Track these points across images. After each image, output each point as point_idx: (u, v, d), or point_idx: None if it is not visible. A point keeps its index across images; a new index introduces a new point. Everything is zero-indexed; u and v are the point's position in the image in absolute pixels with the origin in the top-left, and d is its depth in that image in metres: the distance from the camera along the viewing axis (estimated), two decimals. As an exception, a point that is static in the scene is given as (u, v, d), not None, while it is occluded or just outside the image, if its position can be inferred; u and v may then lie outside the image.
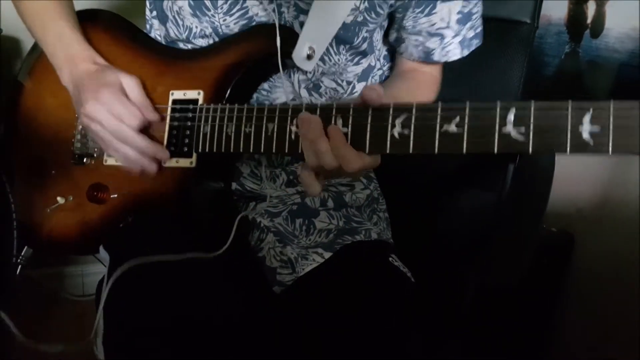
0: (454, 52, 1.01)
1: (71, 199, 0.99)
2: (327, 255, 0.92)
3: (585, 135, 0.60)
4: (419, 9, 0.97)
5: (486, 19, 1.12)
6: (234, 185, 1.00)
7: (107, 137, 0.87)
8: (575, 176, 1.61)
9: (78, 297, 1.79)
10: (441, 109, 0.68)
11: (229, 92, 0.88)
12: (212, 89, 0.89)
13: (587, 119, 0.60)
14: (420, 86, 1.04)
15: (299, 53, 0.90)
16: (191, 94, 0.89)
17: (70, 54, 0.93)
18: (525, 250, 1.29)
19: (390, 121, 0.70)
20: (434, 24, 0.98)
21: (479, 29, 1.01)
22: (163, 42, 1.03)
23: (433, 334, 1.11)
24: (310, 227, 0.97)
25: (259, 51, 0.89)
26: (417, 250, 1.08)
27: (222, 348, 0.76)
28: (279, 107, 0.79)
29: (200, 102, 0.88)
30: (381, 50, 1.07)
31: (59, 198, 0.99)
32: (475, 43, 1.02)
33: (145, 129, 0.89)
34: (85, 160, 0.98)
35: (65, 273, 1.89)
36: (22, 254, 1.07)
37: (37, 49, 1.09)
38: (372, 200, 1.06)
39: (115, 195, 0.94)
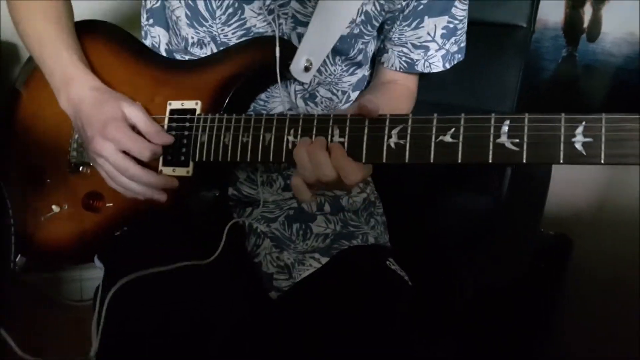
0: (437, 64, 1.02)
1: (66, 207, 0.98)
2: (324, 260, 0.92)
3: (578, 146, 0.61)
4: (406, 22, 0.99)
5: (482, 24, 1.13)
6: (231, 191, 1.00)
7: (113, 173, 0.86)
8: (572, 179, 1.61)
9: (76, 302, 1.78)
10: (437, 120, 0.69)
11: (226, 102, 0.88)
12: (210, 99, 0.89)
13: (579, 130, 0.61)
14: (399, 99, 1.05)
15: (297, 65, 0.90)
16: (189, 104, 0.90)
17: (67, 76, 0.91)
18: (522, 253, 1.29)
19: (386, 132, 0.72)
20: (420, 37, 1.00)
21: (463, 44, 1.03)
22: (162, 50, 1.03)
23: (430, 336, 1.12)
24: (307, 231, 0.98)
25: (258, 63, 0.90)
26: (414, 253, 1.08)
27: (219, 354, 0.77)
28: (276, 117, 0.80)
29: (197, 112, 0.89)
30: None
31: (54, 206, 0.99)
32: (458, 57, 1.04)
33: None
34: (81, 168, 0.98)
35: (63, 278, 1.88)
36: (17, 261, 1.07)
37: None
38: (369, 204, 1.07)
39: (111, 204, 0.94)
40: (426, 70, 1.03)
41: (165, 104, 0.91)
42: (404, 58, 1.03)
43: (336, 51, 0.96)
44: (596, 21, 1.63)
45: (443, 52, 1.01)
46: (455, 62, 1.03)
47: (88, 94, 0.89)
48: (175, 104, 0.91)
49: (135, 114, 0.87)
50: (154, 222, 0.89)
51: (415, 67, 1.03)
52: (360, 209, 1.05)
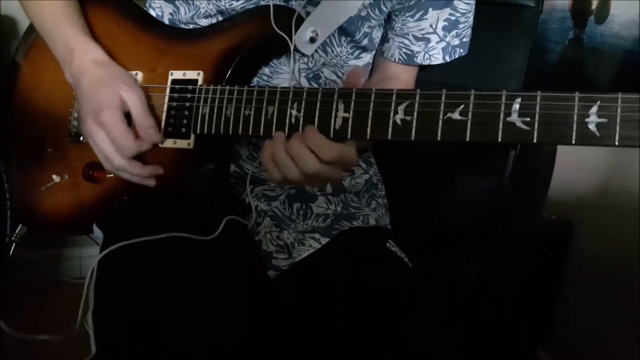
0: (437, 56, 1.01)
1: (67, 177, 0.98)
2: (324, 240, 0.91)
3: (592, 126, 0.59)
4: (410, 13, 0.98)
5: (489, 3, 1.10)
6: (233, 168, 0.99)
7: (101, 156, 0.87)
8: (575, 164, 1.60)
9: (75, 280, 1.79)
10: (445, 96, 0.67)
11: (229, 73, 0.86)
12: (212, 70, 0.87)
13: (594, 110, 0.59)
14: None
15: (302, 35, 0.88)
16: (191, 74, 0.88)
17: (69, 47, 0.91)
18: (525, 237, 1.29)
19: (393, 107, 0.70)
20: (422, 29, 0.99)
21: (465, 39, 1.01)
22: (166, 21, 1.01)
23: (431, 319, 1.12)
24: (307, 211, 0.97)
25: (261, 32, 0.88)
26: (416, 237, 1.07)
27: (214, 327, 0.76)
28: (279, 90, 0.78)
29: (199, 82, 0.87)
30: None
31: (54, 176, 0.98)
32: (460, 52, 1.02)
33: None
34: (82, 138, 0.96)
35: (63, 255, 1.89)
36: (17, 232, 1.06)
37: (34, 29, 1.07)
38: (370, 186, 1.06)
39: (111, 175, 0.93)
40: (426, 62, 1.02)
41: (167, 74, 0.90)
42: (404, 50, 1.02)
43: (343, 31, 0.95)
44: (605, 3, 1.60)
45: (444, 44, 1.00)
46: (457, 56, 1.02)
47: (89, 67, 0.88)
48: (177, 74, 0.89)
49: (132, 102, 0.85)
50: (155, 194, 0.88)
51: (415, 59, 1.02)
52: (362, 191, 1.04)
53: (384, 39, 1.04)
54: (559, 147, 1.22)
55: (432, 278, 1.06)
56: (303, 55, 0.92)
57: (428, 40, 1.00)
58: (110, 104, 0.84)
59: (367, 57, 1.03)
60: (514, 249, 1.25)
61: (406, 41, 1.01)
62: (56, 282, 1.72)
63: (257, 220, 0.96)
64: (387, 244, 0.96)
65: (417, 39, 1.00)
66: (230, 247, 0.86)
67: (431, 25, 0.98)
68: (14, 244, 1.07)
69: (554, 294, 1.69)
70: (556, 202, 1.55)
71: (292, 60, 0.91)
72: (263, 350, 0.75)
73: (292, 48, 0.88)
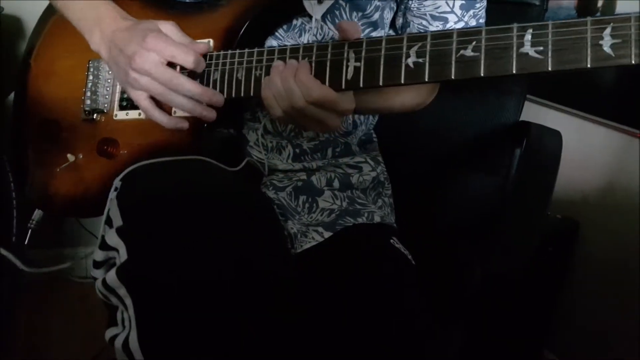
0: None
1: (81, 156, 0.98)
2: (327, 234, 0.91)
3: (606, 48, 0.59)
4: None
5: (495, 1, 1.10)
6: None
7: (159, 90, 0.84)
8: (580, 163, 1.60)
9: (82, 279, 1.78)
10: (457, 34, 0.67)
11: (238, 39, 0.87)
12: (222, 37, 0.88)
13: (607, 32, 0.59)
14: (426, 87, 1.05)
15: None
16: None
17: (99, 15, 0.92)
18: (530, 236, 1.27)
19: (404, 50, 0.70)
20: (438, 7, 0.98)
21: (482, 20, 1.01)
22: None
23: (436, 317, 1.10)
24: (313, 205, 0.97)
25: None
26: (421, 235, 1.07)
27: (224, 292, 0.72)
28: (289, 47, 0.79)
29: (210, 50, 0.87)
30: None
31: (69, 155, 0.99)
32: None
33: None
34: (95, 116, 0.98)
35: (69, 255, 1.88)
36: (33, 217, 1.07)
37: (44, 22, 1.10)
38: (377, 184, 1.06)
39: (125, 152, 0.94)
40: None
41: None
42: (423, 32, 1.01)
43: (354, 6, 0.95)
44: (610, 1, 1.61)
45: (462, 24, 0.99)
46: None
47: (122, 23, 0.89)
48: None
49: (170, 29, 0.86)
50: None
51: None
52: (369, 188, 1.04)
53: (405, 25, 1.04)
54: (564, 146, 1.22)
55: (436, 277, 1.04)
56: (311, 24, 0.93)
57: (446, 20, 0.99)
58: (151, 29, 0.85)
59: (375, 35, 1.03)
60: (519, 247, 1.23)
61: (424, 22, 1.00)
62: (63, 282, 1.71)
63: None
64: (391, 241, 0.95)
65: (434, 18, 0.99)
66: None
67: (447, 4, 0.98)
68: (30, 229, 1.07)
69: (559, 293, 1.66)
70: (561, 201, 1.55)
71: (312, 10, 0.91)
72: (263, 344, 0.73)
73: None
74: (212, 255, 0.70)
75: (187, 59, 0.84)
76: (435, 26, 1.00)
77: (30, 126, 1.08)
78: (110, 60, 0.90)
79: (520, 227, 1.21)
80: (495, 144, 1.28)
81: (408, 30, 1.03)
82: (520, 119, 1.30)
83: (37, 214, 1.07)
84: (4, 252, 0.78)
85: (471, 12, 0.99)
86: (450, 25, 0.99)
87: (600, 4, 1.63)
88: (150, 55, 0.82)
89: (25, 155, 1.08)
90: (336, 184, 1.00)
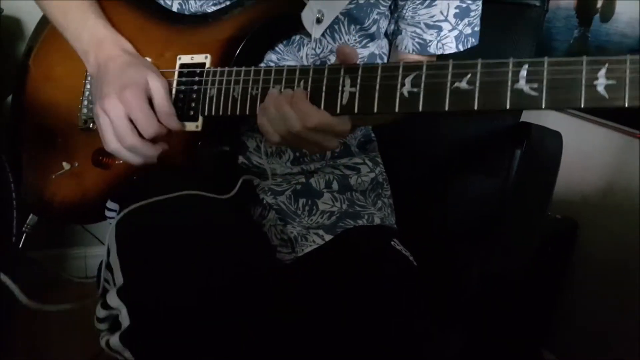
0: (450, 45, 1.01)
1: (76, 165, 0.99)
2: (328, 237, 0.92)
3: (600, 89, 0.59)
4: (419, 0, 0.98)
5: (495, 2, 1.10)
6: (241, 159, 0.99)
7: (109, 136, 0.85)
8: (580, 163, 1.60)
9: (81, 279, 1.79)
10: (452, 66, 0.67)
11: (236, 55, 0.87)
12: (219, 53, 0.88)
13: (602, 73, 0.59)
14: None
15: (308, 15, 0.89)
16: (199, 58, 0.89)
17: (97, 38, 0.92)
18: (530, 237, 1.28)
19: (400, 80, 0.70)
20: (433, 15, 0.98)
21: (476, 28, 1.01)
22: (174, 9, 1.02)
23: (435, 318, 1.11)
24: (312, 207, 0.97)
25: (267, 13, 0.88)
26: (420, 237, 1.07)
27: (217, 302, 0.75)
28: (286, 69, 0.79)
29: (207, 65, 0.88)
30: (384, 41, 1.07)
31: (64, 163, 0.99)
32: (472, 42, 1.02)
33: None
34: (92, 125, 0.98)
35: (68, 255, 1.89)
36: (27, 222, 1.07)
37: (44, 24, 1.09)
38: (376, 185, 1.06)
39: (120, 162, 0.94)
40: (439, 52, 1.01)
41: (175, 58, 0.91)
42: (416, 39, 1.01)
43: (352, 19, 0.95)
44: (610, 1, 1.60)
45: (456, 32, 0.99)
46: (469, 46, 1.02)
47: (119, 54, 0.89)
48: (185, 58, 0.90)
49: (157, 88, 0.86)
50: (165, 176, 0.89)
51: (428, 48, 1.01)
52: (368, 190, 1.04)
53: (397, 32, 1.04)
54: (564, 146, 1.22)
55: (436, 278, 1.05)
56: (310, 39, 0.93)
57: (440, 29, 0.99)
58: (137, 83, 0.84)
59: (373, 47, 1.03)
60: (519, 248, 1.24)
61: (418, 30, 1.00)
62: (61, 282, 1.72)
63: (262, 213, 0.96)
64: (392, 242, 0.96)
65: (428, 26, 0.99)
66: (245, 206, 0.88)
67: (442, 12, 0.98)
68: (24, 234, 1.08)
69: (559, 294, 1.67)
70: (561, 201, 1.55)
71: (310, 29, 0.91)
72: (263, 346, 0.74)
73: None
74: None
75: (147, 130, 0.83)
76: (430, 34, 1.00)
77: (27, 129, 1.08)
78: (93, 84, 0.92)
79: (521, 229, 1.22)
80: (496, 145, 1.28)
81: (400, 37, 1.04)
82: (521, 119, 1.30)
83: (32, 218, 1.08)
84: (4, 278, 0.79)
85: (465, 20, 0.99)
86: (445, 33, 1.00)
87: (599, 4, 1.63)
88: (118, 106, 0.83)
89: (22, 158, 1.09)
90: (335, 185, 1.00)
